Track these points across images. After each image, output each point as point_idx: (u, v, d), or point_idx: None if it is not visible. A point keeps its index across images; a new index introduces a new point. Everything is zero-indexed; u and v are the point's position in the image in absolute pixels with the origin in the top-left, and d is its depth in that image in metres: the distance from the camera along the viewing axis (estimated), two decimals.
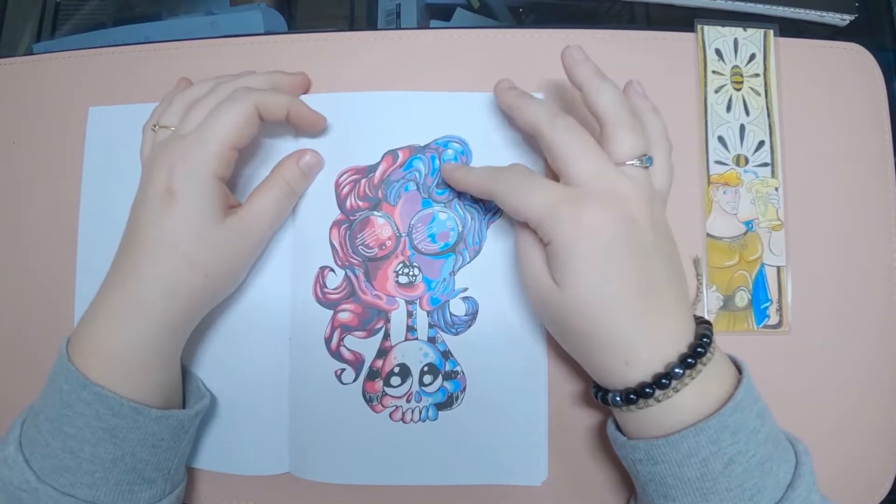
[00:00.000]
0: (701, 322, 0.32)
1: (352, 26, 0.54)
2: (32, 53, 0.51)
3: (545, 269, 0.32)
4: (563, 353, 0.38)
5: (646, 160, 0.32)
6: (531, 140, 0.38)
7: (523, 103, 0.34)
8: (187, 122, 0.34)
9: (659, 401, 0.29)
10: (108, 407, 0.31)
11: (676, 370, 0.29)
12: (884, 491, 0.38)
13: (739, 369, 0.32)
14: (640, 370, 0.30)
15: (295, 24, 0.54)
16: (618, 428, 0.34)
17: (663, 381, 0.29)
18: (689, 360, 0.29)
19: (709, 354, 0.30)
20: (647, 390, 0.29)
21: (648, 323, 0.30)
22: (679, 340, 0.30)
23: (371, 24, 0.53)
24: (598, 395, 0.33)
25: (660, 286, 0.30)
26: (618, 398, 0.31)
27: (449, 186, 0.38)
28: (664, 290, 0.31)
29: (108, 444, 0.31)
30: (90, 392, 0.31)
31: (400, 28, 0.51)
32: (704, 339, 0.30)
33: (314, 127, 0.38)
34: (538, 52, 0.40)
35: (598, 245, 0.29)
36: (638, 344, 0.30)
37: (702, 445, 0.29)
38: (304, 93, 0.40)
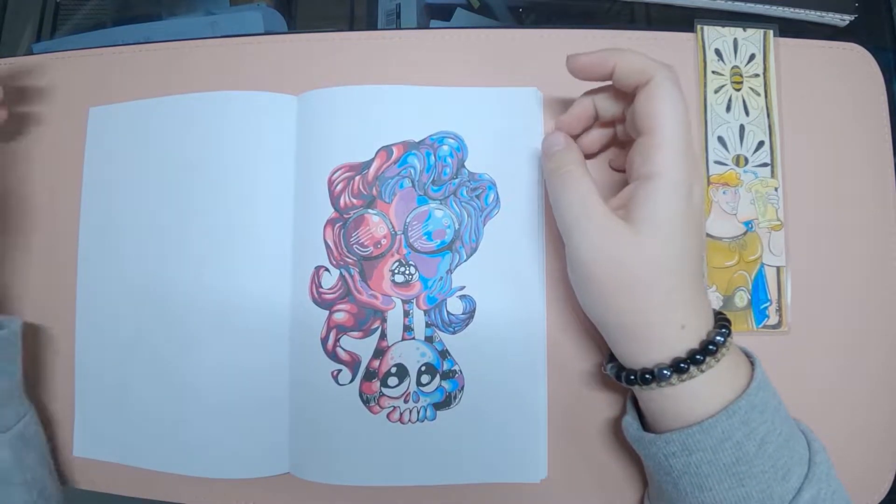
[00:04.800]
0: None
1: (352, 26, 0.54)
2: (32, 53, 0.51)
3: (608, 209, 0.31)
4: (561, 350, 0.38)
5: None
6: (526, 136, 0.38)
7: (626, 51, 0.33)
8: None
9: (703, 371, 0.30)
10: None
11: (718, 338, 0.30)
12: (884, 491, 0.38)
13: (747, 353, 0.33)
14: (691, 337, 0.30)
15: (295, 24, 0.54)
16: (640, 428, 0.33)
17: (710, 346, 0.30)
18: (724, 330, 0.30)
19: (732, 331, 0.31)
20: (697, 357, 0.30)
21: (702, 290, 0.31)
22: (710, 313, 0.32)
23: (371, 24, 0.53)
24: (623, 376, 0.32)
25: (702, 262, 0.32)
26: (665, 370, 0.30)
27: (443, 184, 0.38)
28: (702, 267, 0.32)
29: None
30: None
31: (400, 28, 0.51)
32: (722, 315, 0.32)
33: None
34: (538, 52, 0.40)
35: (693, 203, 0.30)
36: (695, 308, 0.31)
37: (735, 427, 0.29)
38: None
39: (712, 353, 0.30)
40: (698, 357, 0.29)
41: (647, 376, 0.30)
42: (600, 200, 0.31)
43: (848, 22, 0.45)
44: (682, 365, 0.30)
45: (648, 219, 0.30)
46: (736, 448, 0.29)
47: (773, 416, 0.30)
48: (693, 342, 0.30)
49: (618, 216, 0.31)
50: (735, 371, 0.31)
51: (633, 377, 0.31)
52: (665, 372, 0.30)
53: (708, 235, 0.39)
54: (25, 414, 0.38)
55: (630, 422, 0.34)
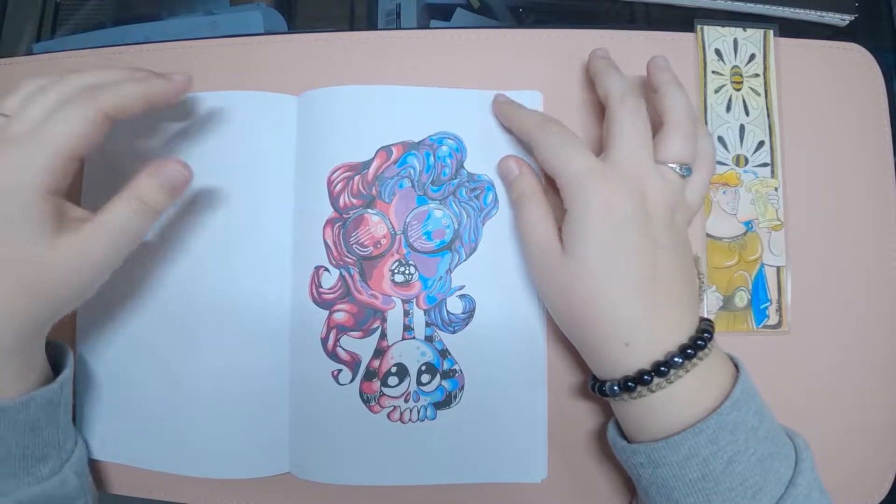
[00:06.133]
0: (703, 319, 0.33)
1: (352, 26, 0.54)
2: (32, 53, 0.51)
3: (554, 234, 0.33)
4: (562, 350, 0.38)
5: (685, 169, 0.33)
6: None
7: (607, 73, 0.35)
8: (22, 118, 0.30)
9: (652, 391, 0.30)
10: None
11: (675, 359, 0.30)
12: (884, 491, 0.38)
13: (738, 368, 0.32)
14: (639, 355, 0.30)
15: (295, 24, 0.54)
16: (619, 434, 0.34)
17: (661, 368, 0.29)
18: (689, 352, 0.30)
19: (707, 349, 0.30)
20: (646, 377, 0.30)
21: (651, 309, 0.31)
22: (681, 332, 0.31)
23: (371, 24, 0.53)
24: (596, 387, 0.33)
25: (666, 278, 0.31)
26: (615, 387, 0.31)
27: (443, 184, 0.38)
28: (670, 283, 0.31)
29: None
30: None
31: (400, 28, 0.51)
32: (705, 334, 0.31)
33: (181, 91, 0.34)
34: (538, 52, 0.40)
35: (611, 221, 0.31)
36: (639, 326, 0.30)
37: (701, 446, 0.29)
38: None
39: (663, 375, 0.29)
40: (646, 378, 0.30)
41: (603, 389, 0.32)
42: (550, 226, 0.33)
43: (848, 22, 0.45)
44: (629, 384, 0.30)
45: (569, 242, 0.32)
46: (702, 465, 0.29)
47: (748, 436, 0.29)
48: (643, 362, 0.30)
49: (559, 239, 0.33)
50: (708, 386, 0.30)
51: (594, 387, 0.33)
52: (615, 388, 0.31)
53: (708, 235, 0.39)
54: (76, 437, 0.37)
55: (612, 427, 0.34)
